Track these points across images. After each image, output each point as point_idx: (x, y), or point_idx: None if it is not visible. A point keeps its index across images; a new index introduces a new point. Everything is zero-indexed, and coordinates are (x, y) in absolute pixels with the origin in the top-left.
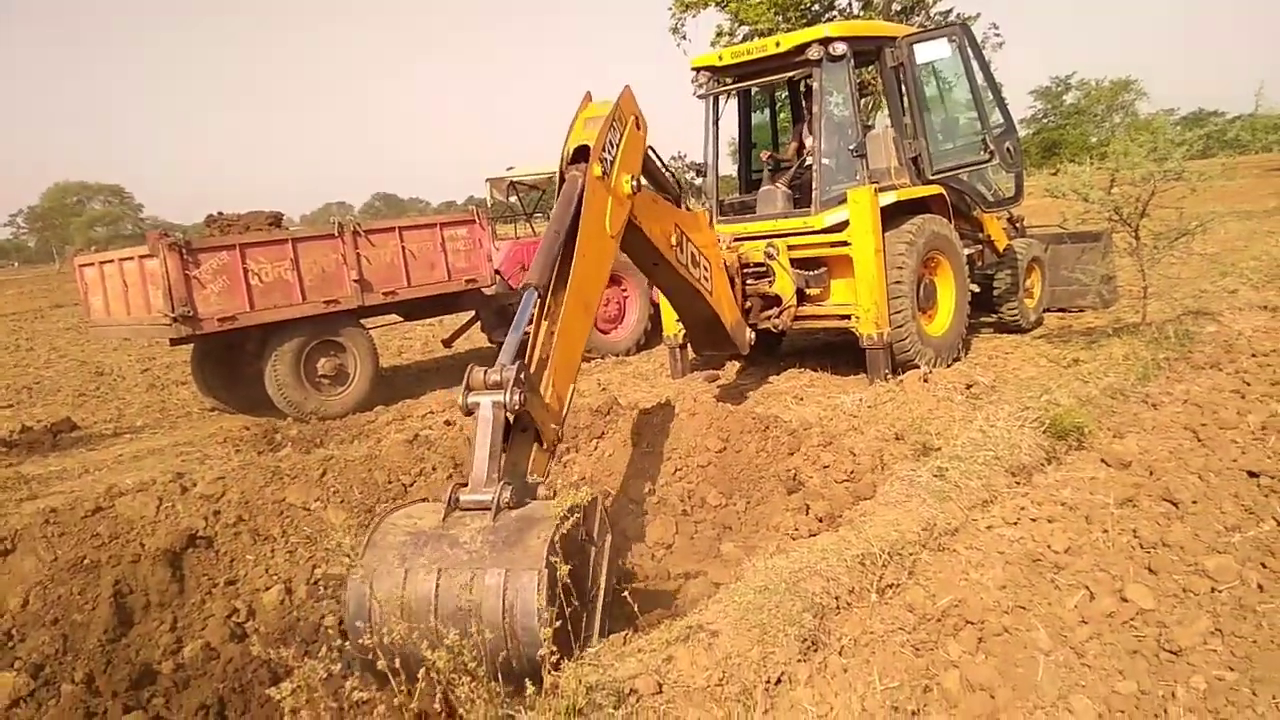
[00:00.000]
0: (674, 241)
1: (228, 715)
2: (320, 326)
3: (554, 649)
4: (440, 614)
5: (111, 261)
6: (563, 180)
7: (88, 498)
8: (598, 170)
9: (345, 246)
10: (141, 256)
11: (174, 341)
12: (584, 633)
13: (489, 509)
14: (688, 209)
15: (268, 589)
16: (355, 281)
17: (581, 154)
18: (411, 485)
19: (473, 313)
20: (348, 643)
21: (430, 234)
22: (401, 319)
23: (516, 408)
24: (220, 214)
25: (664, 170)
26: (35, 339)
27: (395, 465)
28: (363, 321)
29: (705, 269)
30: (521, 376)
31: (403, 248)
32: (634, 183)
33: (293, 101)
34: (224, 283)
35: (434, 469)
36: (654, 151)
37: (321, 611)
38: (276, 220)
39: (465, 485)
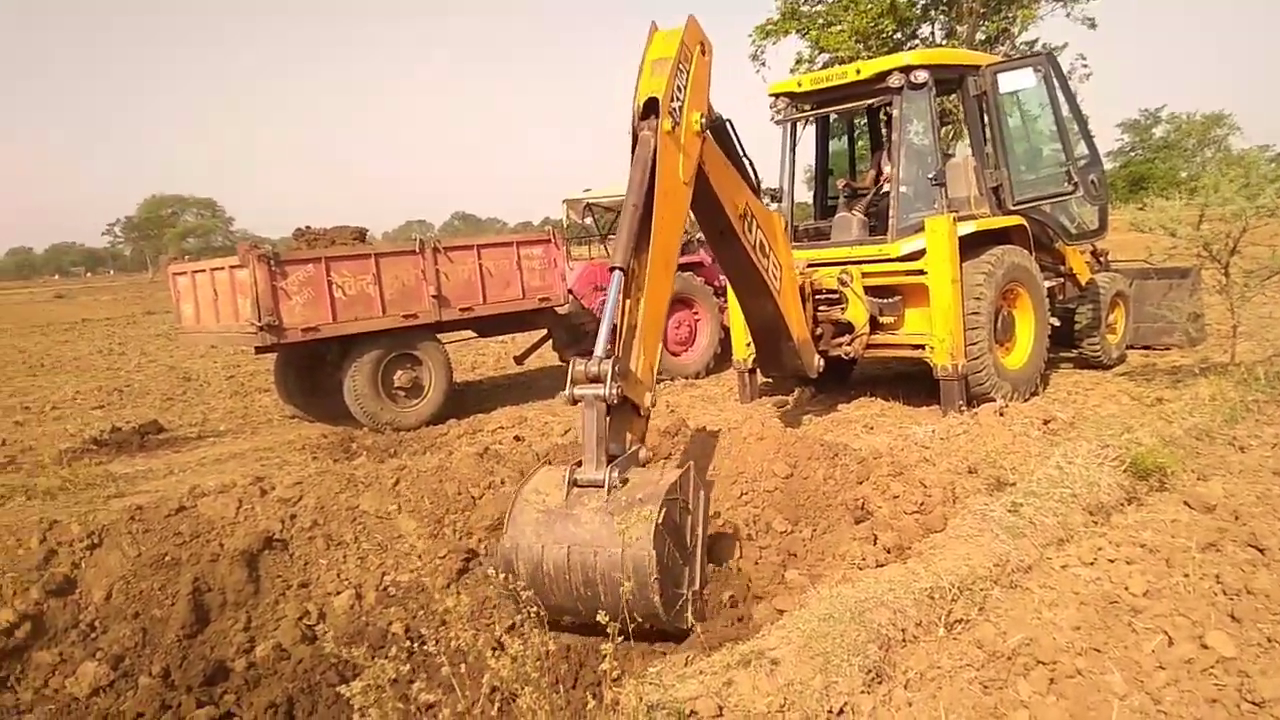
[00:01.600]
0: (741, 213)
1: (296, 715)
2: (398, 340)
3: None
4: (573, 582)
5: (203, 271)
6: (635, 138)
7: (172, 497)
8: (668, 125)
9: (425, 263)
10: (232, 267)
11: (259, 350)
12: (688, 579)
13: (602, 487)
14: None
15: (339, 593)
16: (434, 297)
17: (651, 107)
18: (480, 498)
19: (545, 331)
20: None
21: (507, 253)
22: (476, 335)
23: (615, 400)
24: (308, 228)
25: (741, 152)
26: (127, 344)
27: (465, 477)
28: (439, 336)
29: (775, 267)
30: (616, 369)
31: (480, 265)
32: (703, 120)
33: (378, 120)
34: (309, 294)
35: (503, 482)
36: (734, 132)
37: (389, 618)
38: (361, 235)
39: (580, 465)
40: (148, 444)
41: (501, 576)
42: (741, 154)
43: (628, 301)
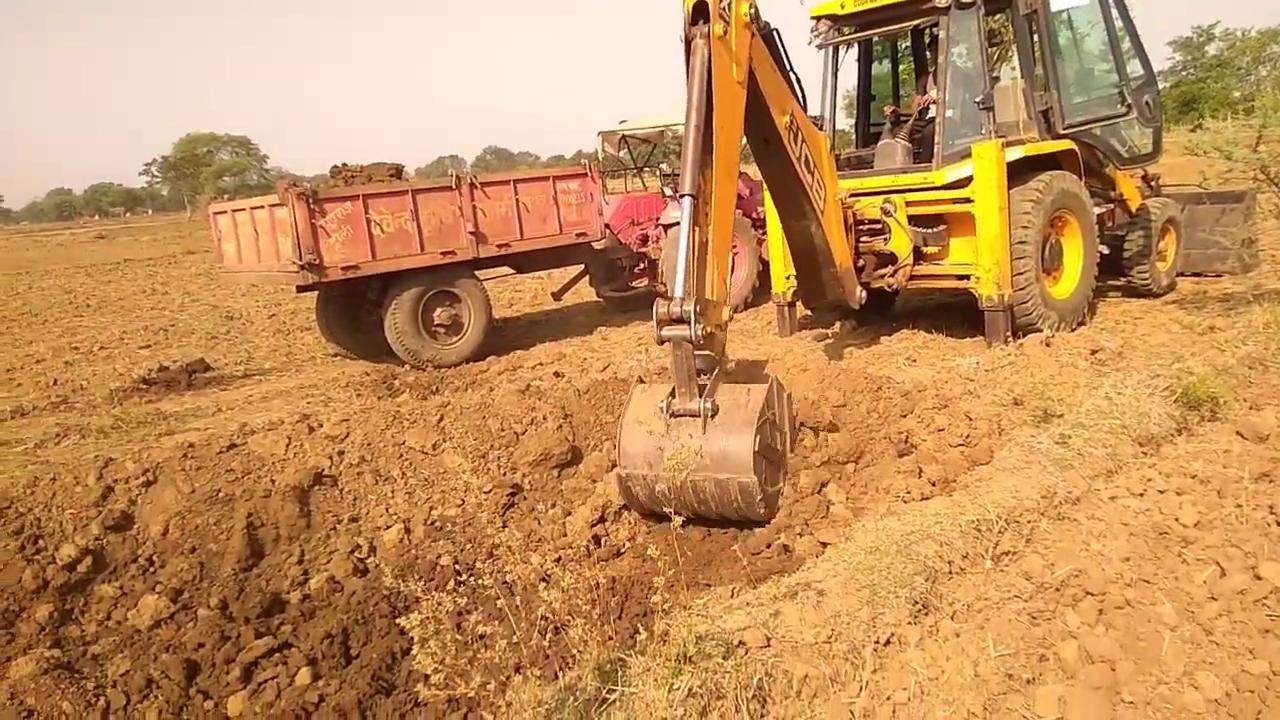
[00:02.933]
0: (788, 123)
1: (350, 644)
2: (437, 277)
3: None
4: (684, 501)
5: (243, 210)
6: (687, 47)
7: (222, 435)
8: (719, 29)
9: (462, 199)
10: (272, 205)
11: (300, 288)
12: (780, 475)
13: (698, 416)
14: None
15: (388, 527)
16: (471, 233)
17: (701, 10)
18: (523, 433)
19: (582, 266)
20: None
21: (543, 188)
22: (514, 271)
23: (700, 340)
24: (344, 165)
25: (788, 64)
26: (170, 284)
27: (508, 414)
28: (477, 273)
29: (820, 186)
30: (698, 309)
31: (517, 201)
32: (752, 9)
33: (405, 56)
34: (348, 232)
35: (544, 418)
36: (781, 42)
37: (438, 551)
38: (397, 172)
39: (674, 397)
40: (195, 382)
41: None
42: (789, 67)
43: (698, 230)
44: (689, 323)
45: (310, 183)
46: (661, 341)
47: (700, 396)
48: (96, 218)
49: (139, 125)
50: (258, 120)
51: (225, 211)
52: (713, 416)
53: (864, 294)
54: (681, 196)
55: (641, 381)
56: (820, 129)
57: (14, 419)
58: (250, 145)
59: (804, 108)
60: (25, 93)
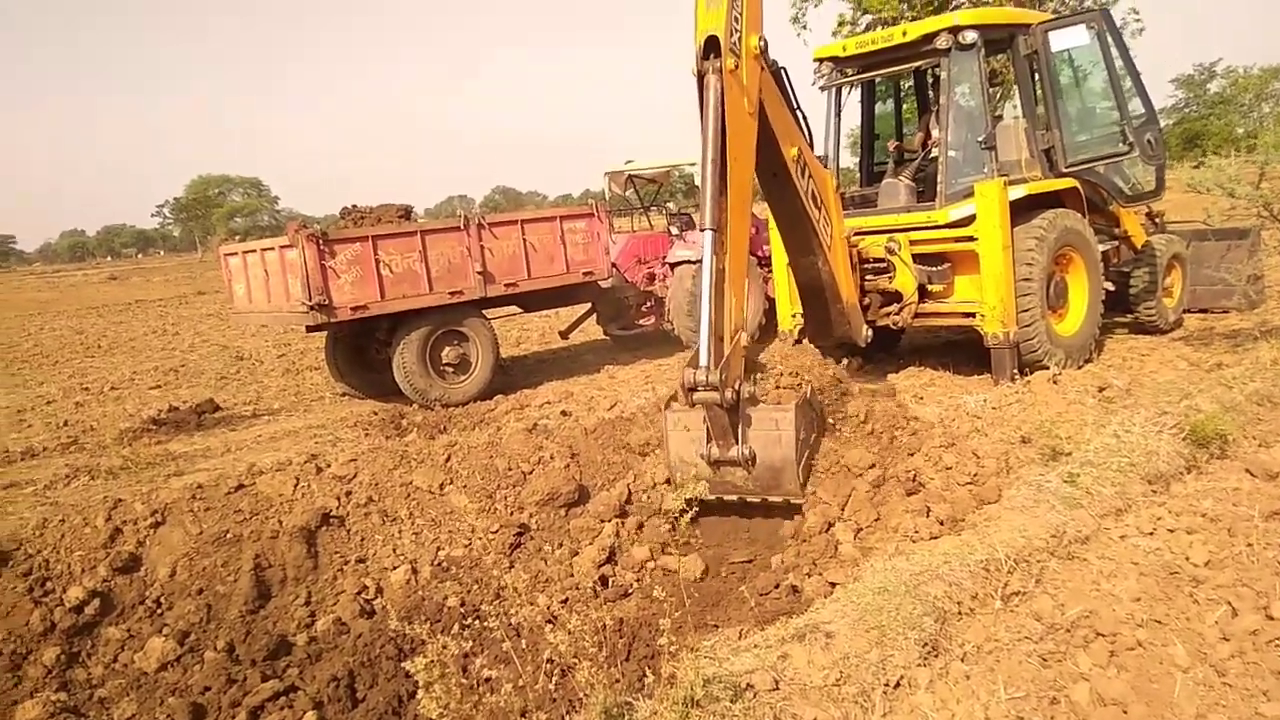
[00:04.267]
0: (795, 156)
1: (356, 687)
2: (445, 316)
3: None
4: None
5: (254, 251)
6: (700, 81)
7: (230, 475)
8: (730, 63)
9: (470, 239)
10: (282, 247)
11: (310, 329)
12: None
13: (740, 465)
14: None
15: (395, 568)
16: (479, 273)
17: (712, 45)
18: (530, 473)
19: (589, 305)
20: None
21: (550, 227)
22: (521, 310)
23: (730, 403)
24: (354, 207)
25: (795, 102)
26: (180, 324)
27: (515, 452)
28: (484, 312)
29: (826, 223)
30: (723, 376)
31: (524, 240)
32: (762, 41)
33: (415, 96)
34: (357, 273)
35: (552, 458)
36: (788, 80)
37: (445, 592)
38: (406, 213)
39: (711, 442)
40: (205, 423)
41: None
42: (795, 104)
43: (716, 259)
44: (718, 389)
45: (320, 224)
46: (693, 404)
47: (738, 443)
48: (109, 259)
49: (152, 167)
50: (269, 162)
51: (236, 253)
52: (752, 462)
53: (870, 332)
54: (703, 230)
55: (669, 408)
56: (825, 168)
57: (24, 460)
58: (262, 187)
59: (810, 145)
60: (40, 135)
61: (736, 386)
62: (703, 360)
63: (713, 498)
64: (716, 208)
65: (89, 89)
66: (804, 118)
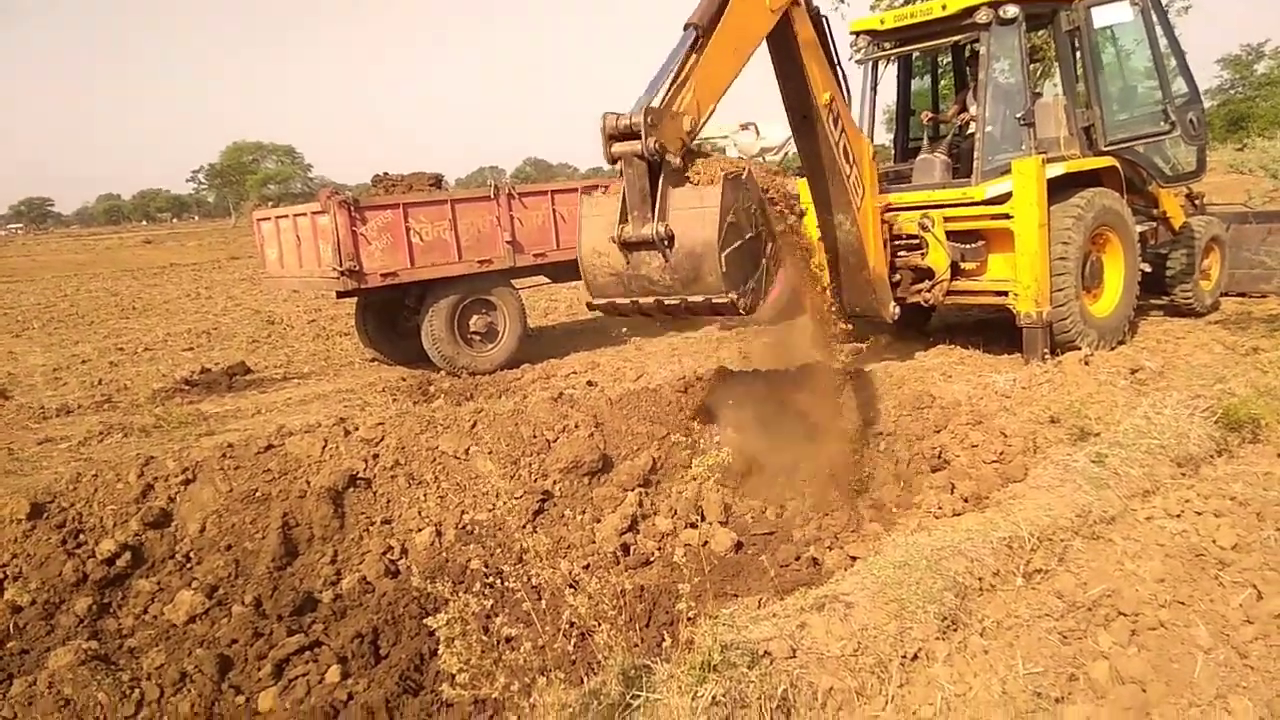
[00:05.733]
0: (828, 102)
1: (380, 644)
2: (474, 285)
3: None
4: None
5: (286, 217)
6: None
7: (260, 436)
8: None
9: (500, 209)
10: (314, 213)
11: (340, 294)
12: (764, 266)
13: (653, 245)
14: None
15: (420, 530)
16: (508, 243)
17: None
18: (555, 441)
19: None
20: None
21: (579, 198)
22: (549, 281)
23: (653, 154)
24: (386, 174)
25: (835, 54)
26: (214, 288)
27: (540, 421)
28: (513, 282)
29: (859, 183)
30: (650, 120)
31: (554, 211)
32: None
33: (452, 67)
34: (388, 240)
35: (576, 426)
36: (830, 32)
37: (469, 555)
38: (437, 181)
39: (626, 223)
40: (236, 384)
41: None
42: (835, 57)
43: (695, 57)
44: (640, 136)
45: (352, 191)
46: (613, 161)
47: (654, 219)
48: (144, 223)
49: (188, 133)
50: (303, 129)
51: (269, 218)
52: (669, 242)
53: (898, 309)
54: (685, 26)
55: (588, 193)
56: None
57: (59, 417)
58: (295, 154)
59: (847, 102)
60: (78, 101)
61: (664, 144)
62: (640, 98)
63: (627, 301)
64: (710, 10)
65: (128, 56)
66: (844, 73)
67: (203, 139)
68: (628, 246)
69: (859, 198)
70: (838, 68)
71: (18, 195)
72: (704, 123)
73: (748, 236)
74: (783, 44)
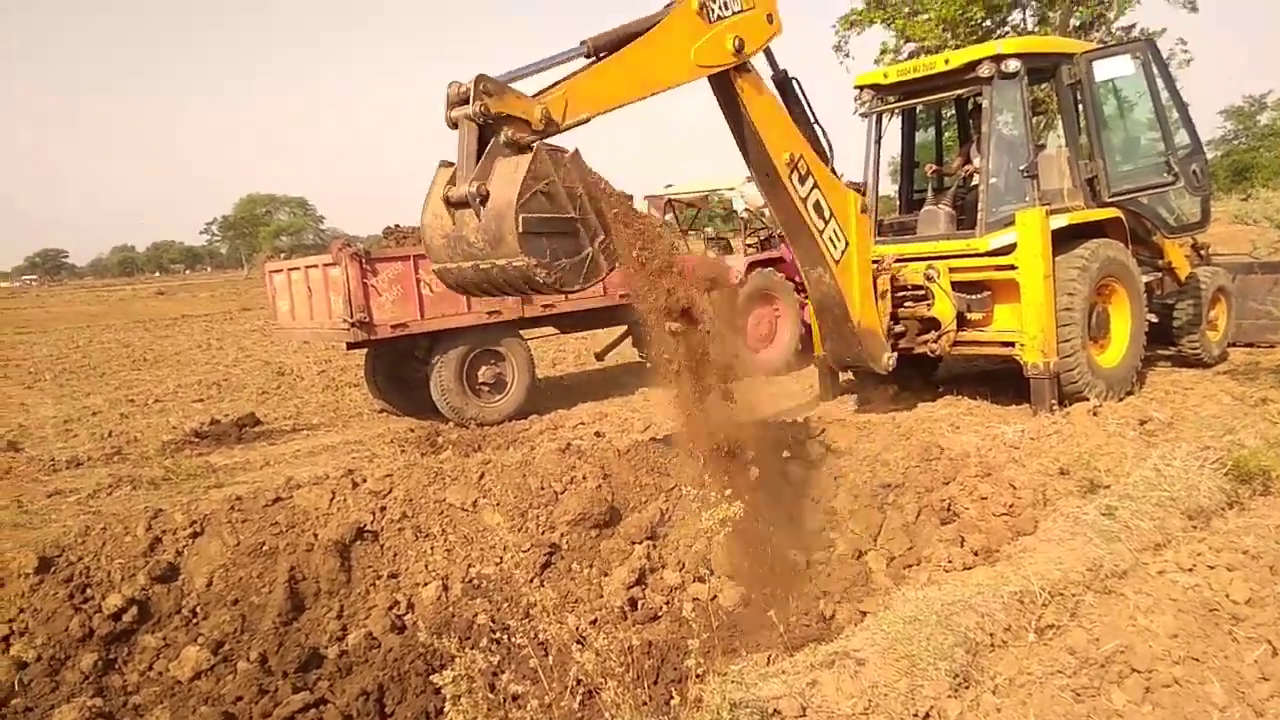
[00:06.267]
0: (789, 160)
1: (385, 702)
2: (483, 336)
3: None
4: (486, 288)
5: (298, 268)
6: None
7: (268, 488)
8: (695, 4)
9: None
10: (325, 265)
11: (350, 345)
12: (585, 242)
13: (469, 205)
14: (833, 171)
15: (427, 584)
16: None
17: None
18: (562, 493)
19: (625, 328)
20: None
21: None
22: (558, 332)
23: (480, 118)
24: (397, 226)
25: (809, 113)
26: (225, 339)
27: (548, 472)
28: (521, 333)
29: (836, 237)
30: (481, 87)
31: None
32: (737, 42)
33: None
34: (398, 291)
35: (584, 478)
36: (801, 90)
37: (475, 609)
38: None
39: (453, 185)
40: (245, 436)
41: None
42: (809, 115)
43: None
44: (471, 101)
45: (364, 242)
46: (452, 125)
47: (473, 178)
48: (157, 274)
49: (202, 185)
50: (316, 181)
51: (281, 270)
52: (483, 201)
53: (892, 359)
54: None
55: (445, 164)
56: (863, 194)
57: (69, 469)
58: (307, 206)
59: (827, 159)
60: (94, 154)
61: (496, 113)
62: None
63: (454, 267)
64: (614, 38)
65: (143, 108)
66: (821, 130)
67: (216, 191)
68: (450, 204)
69: (837, 251)
70: (813, 125)
71: (33, 247)
72: (572, 124)
73: (565, 215)
74: (730, 104)
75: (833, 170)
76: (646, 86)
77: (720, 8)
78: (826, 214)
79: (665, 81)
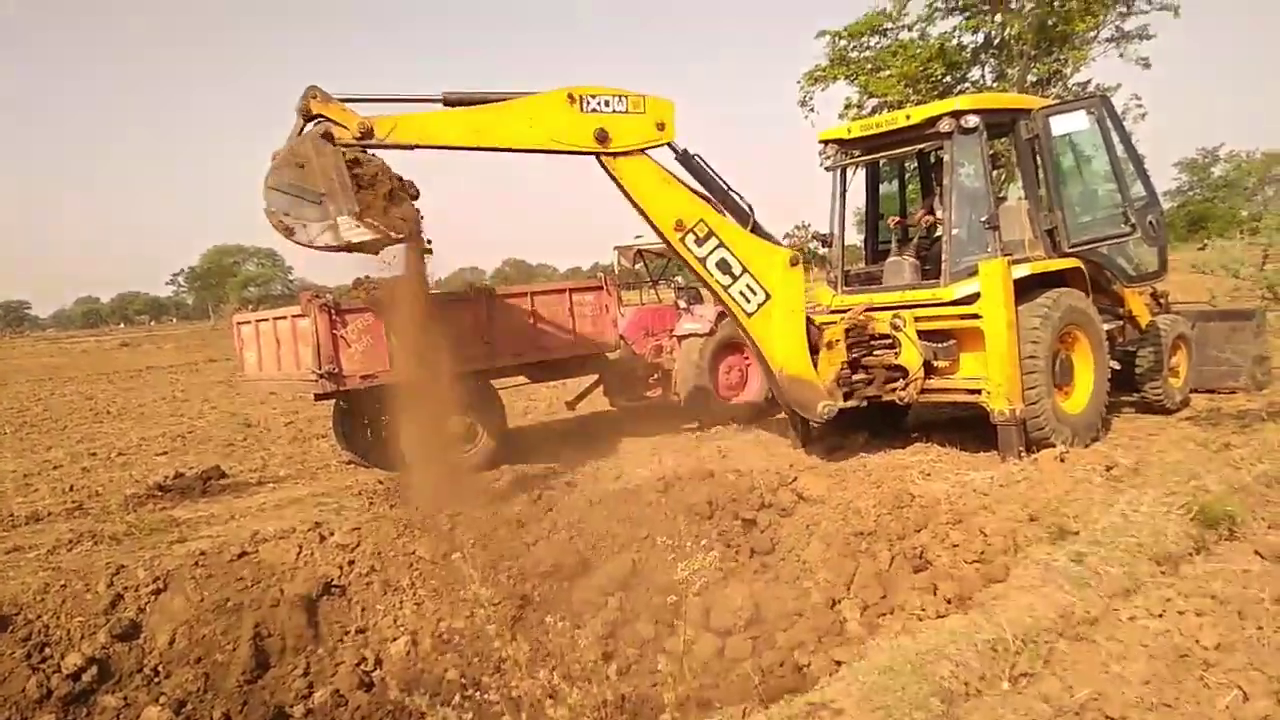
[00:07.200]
0: (676, 226)
1: None
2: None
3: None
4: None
5: (266, 320)
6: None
7: (234, 543)
8: (564, 96)
9: (479, 309)
10: (294, 316)
11: (318, 397)
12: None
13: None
14: (758, 231)
15: (395, 639)
16: (487, 343)
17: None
18: (534, 544)
19: (597, 376)
20: None
21: (559, 299)
22: (528, 381)
23: (302, 113)
24: (367, 277)
25: (714, 179)
26: (190, 391)
27: (519, 523)
28: (492, 382)
29: (749, 290)
30: (310, 93)
31: (533, 312)
32: (599, 133)
33: (431, 169)
34: (367, 342)
35: (556, 528)
36: (703, 162)
37: (445, 665)
38: None
39: None
40: (210, 489)
41: None
42: (713, 181)
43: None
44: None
45: (333, 293)
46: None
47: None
48: (122, 326)
49: (168, 235)
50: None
51: (249, 321)
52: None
53: (830, 409)
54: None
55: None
56: (829, 246)
57: (29, 524)
58: (276, 256)
59: (745, 218)
60: (56, 203)
61: (316, 112)
62: None
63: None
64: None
65: (108, 157)
66: (724, 190)
67: (183, 241)
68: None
69: (750, 304)
70: (727, 191)
71: None
72: (394, 144)
73: (317, 190)
74: (611, 177)
75: (755, 228)
76: (482, 138)
77: (598, 104)
78: (736, 270)
79: (506, 141)
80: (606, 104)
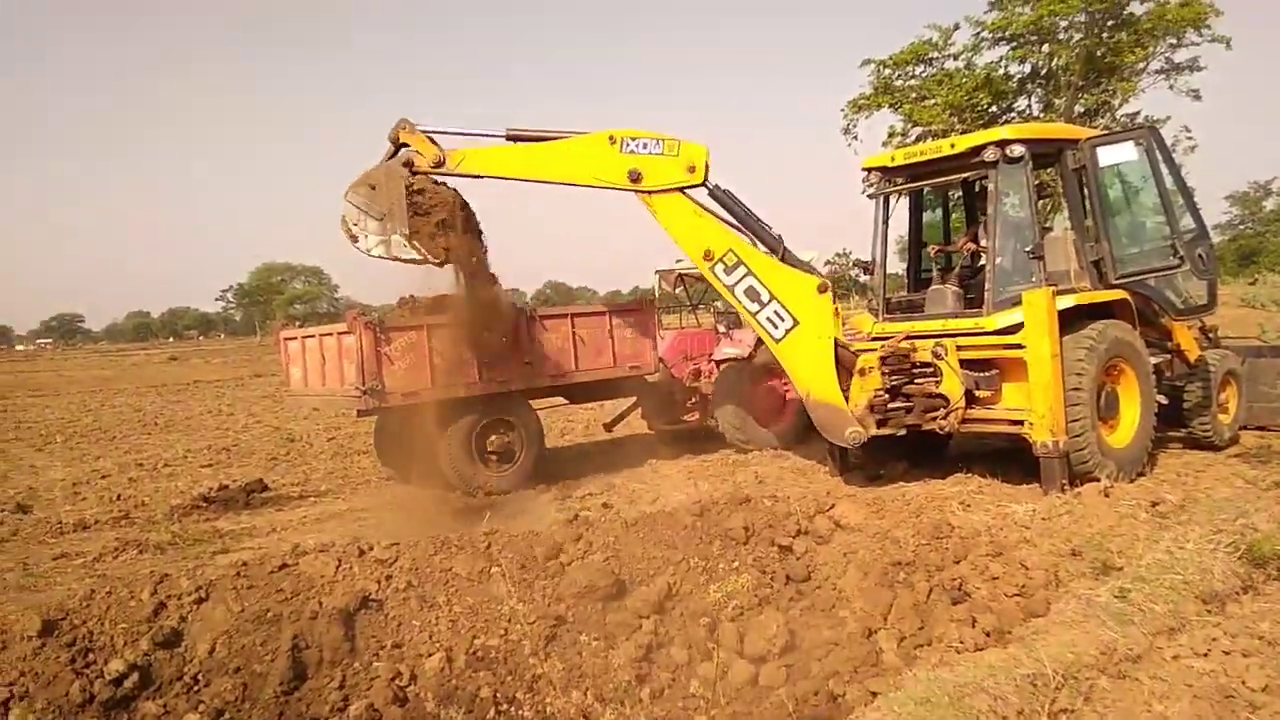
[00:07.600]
0: (706, 256)
1: None
2: (492, 405)
3: None
4: None
5: (313, 336)
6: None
7: (275, 555)
8: (605, 137)
9: (520, 330)
10: (340, 333)
11: (361, 413)
12: None
13: None
14: (788, 260)
15: (430, 655)
16: (526, 364)
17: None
18: (569, 564)
19: (635, 399)
20: None
21: (600, 321)
22: (567, 401)
23: (391, 140)
24: (412, 297)
25: (743, 211)
26: (236, 405)
27: (555, 543)
28: (531, 403)
29: (776, 318)
30: (402, 125)
31: (573, 333)
32: (634, 174)
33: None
34: (411, 360)
35: (592, 549)
36: (734, 198)
37: (479, 682)
38: None
39: None
40: (253, 502)
41: None
42: (743, 213)
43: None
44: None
45: (378, 311)
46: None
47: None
48: (171, 340)
49: (217, 253)
50: (332, 250)
51: (296, 338)
52: None
53: (857, 434)
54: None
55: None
56: (870, 274)
57: (76, 532)
58: (322, 275)
59: (775, 248)
60: (111, 220)
61: (402, 140)
62: None
63: None
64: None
65: (161, 175)
66: (754, 221)
67: (232, 259)
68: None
69: (778, 331)
70: (758, 221)
71: (49, 311)
72: (463, 173)
73: (381, 210)
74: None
75: (785, 256)
76: (535, 172)
77: (636, 146)
78: (765, 297)
79: (555, 175)
80: (644, 146)
